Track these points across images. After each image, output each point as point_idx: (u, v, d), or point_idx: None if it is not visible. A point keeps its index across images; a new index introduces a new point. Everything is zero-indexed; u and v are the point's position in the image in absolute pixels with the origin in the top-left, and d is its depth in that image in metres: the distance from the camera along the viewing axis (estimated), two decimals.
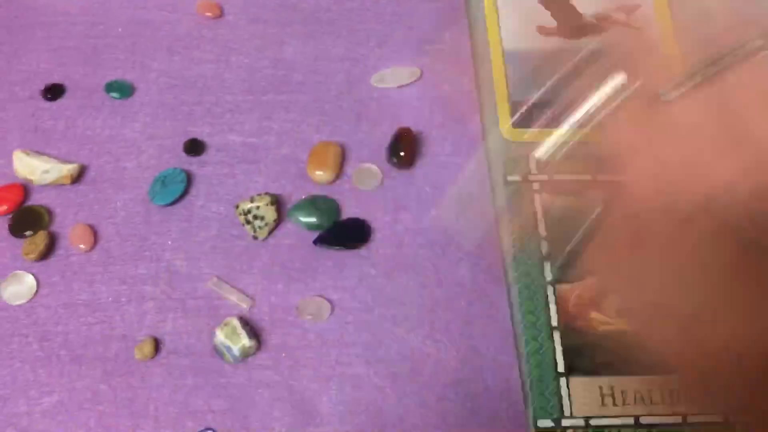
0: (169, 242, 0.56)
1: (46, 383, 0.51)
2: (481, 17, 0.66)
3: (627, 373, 0.52)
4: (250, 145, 0.60)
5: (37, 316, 0.53)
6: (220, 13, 0.65)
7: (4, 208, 0.56)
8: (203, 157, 0.59)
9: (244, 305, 0.54)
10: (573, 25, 0.66)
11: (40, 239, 0.55)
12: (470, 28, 0.65)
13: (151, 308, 0.53)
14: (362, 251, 0.56)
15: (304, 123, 0.61)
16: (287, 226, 0.57)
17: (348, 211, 0.57)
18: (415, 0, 0.66)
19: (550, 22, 0.66)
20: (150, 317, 0.53)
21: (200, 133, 0.60)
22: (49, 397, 0.50)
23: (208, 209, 0.57)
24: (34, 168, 0.57)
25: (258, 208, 0.55)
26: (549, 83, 0.62)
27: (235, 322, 0.52)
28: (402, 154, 0.58)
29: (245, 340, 0.51)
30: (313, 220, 0.56)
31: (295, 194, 0.58)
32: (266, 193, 0.56)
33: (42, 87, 0.61)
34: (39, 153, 0.58)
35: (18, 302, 0.53)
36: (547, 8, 0.67)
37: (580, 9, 0.66)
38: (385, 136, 0.60)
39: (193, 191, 0.58)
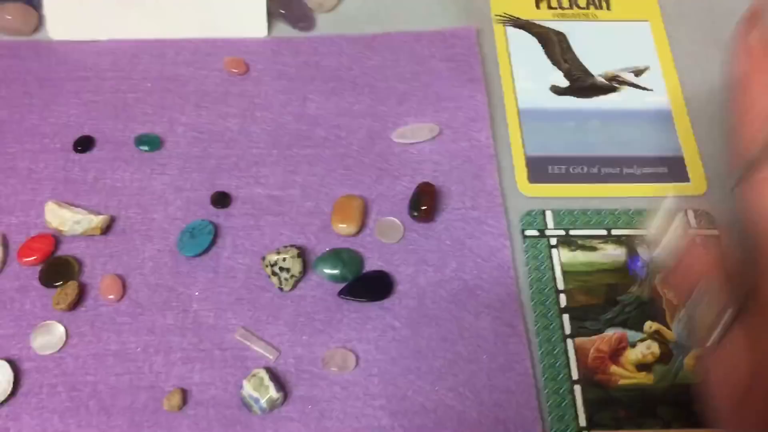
0: (197, 293, 0.56)
1: None
2: (497, 76, 0.68)
3: (647, 426, 0.52)
4: (275, 197, 0.61)
5: (66, 366, 0.53)
6: (246, 70, 0.66)
7: (34, 258, 0.57)
8: (230, 210, 0.60)
9: (270, 356, 0.54)
10: (584, 85, 0.68)
11: (71, 289, 0.55)
12: (486, 87, 0.67)
13: (179, 359, 0.54)
14: (385, 303, 0.56)
15: (327, 177, 0.62)
16: (312, 278, 0.57)
17: (371, 264, 0.58)
18: (433, 59, 0.68)
19: (563, 82, 0.68)
20: (178, 368, 0.53)
21: (227, 185, 0.61)
22: None
23: (234, 260, 0.58)
24: (64, 219, 0.57)
25: (284, 260, 0.56)
26: (562, 140, 0.64)
27: (263, 374, 0.52)
28: (423, 208, 0.59)
29: (272, 392, 0.51)
30: (337, 272, 0.57)
31: (319, 246, 0.59)
32: (292, 246, 0.57)
33: (72, 139, 0.62)
34: (70, 204, 0.59)
35: (48, 352, 0.53)
36: (558, 68, 0.69)
37: (591, 69, 0.69)
38: (406, 190, 0.61)
39: (220, 243, 0.58)
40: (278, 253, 0.57)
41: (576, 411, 0.53)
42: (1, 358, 0.52)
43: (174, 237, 0.58)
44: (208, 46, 0.67)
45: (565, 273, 0.58)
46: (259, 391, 0.52)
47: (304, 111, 0.65)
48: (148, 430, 0.51)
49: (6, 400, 0.51)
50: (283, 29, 0.70)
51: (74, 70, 0.66)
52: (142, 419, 0.51)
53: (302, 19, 0.69)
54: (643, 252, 0.59)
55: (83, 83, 0.65)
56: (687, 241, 0.45)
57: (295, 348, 0.55)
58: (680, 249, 0.45)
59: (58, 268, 0.56)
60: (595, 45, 0.70)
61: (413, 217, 0.60)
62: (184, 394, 0.52)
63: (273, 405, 0.52)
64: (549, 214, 0.61)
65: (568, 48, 0.70)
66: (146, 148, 0.62)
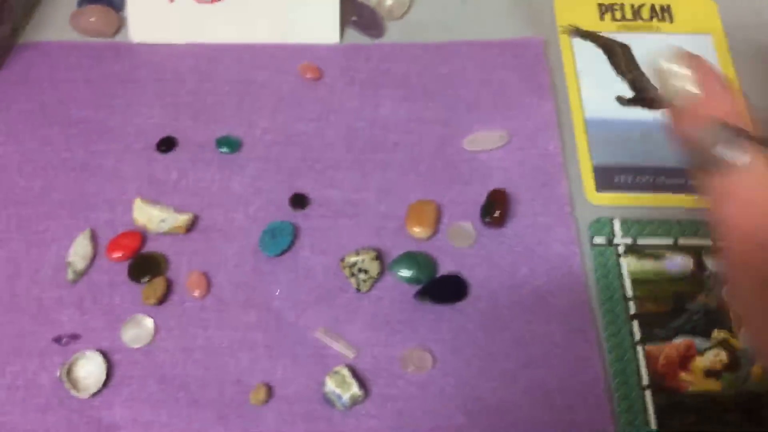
0: (278, 292, 0.58)
1: (166, 423, 0.52)
2: (563, 86, 0.69)
3: None
4: (350, 200, 0.62)
5: (155, 359, 0.55)
6: (320, 76, 0.68)
7: (122, 254, 0.58)
8: (307, 211, 0.61)
9: (350, 355, 0.56)
10: (648, 96, 0.69)
11: (159, 285, 0.57)
12: (553, 96, 0.69)
13: (262, 355, 0.55)
14: (459, 306, 0.58)
15: (400, 181, 0.63)
16: (387, 280, 0.59)
17: (444, 267, 0.60)
18: (502, 68, 0.69)
19: (628, 93, 0.69)
20: (261, 363, 0.55)
21: (304, 188, 0.62)
22: None
23: (312, 261, 0.59)
24: (152, 217, 0.59)
25: (363, 261, 0.58)
26: (628, 150, 0.65)
27: (345, 371, 0.54)
28: (496, 214, 0.60)
29: (355, 389, 0.53)
30: (412, 274, 0.58)
31: (393, 249, 0.60)
32: (371, 248, 0.59)
33: (155, 140, 0.64)
34: (155, 202, 0.61)
35: (137, 345, 0.55)
36: (623, 79, 0.70)
37: (655, 80, 0.70)
38: (477, 195, 0.63)
39: (299, 243, 0.60)
40: (357, 254, 0.58)
41: (647, 415, 0.54)
42: (95, 350, 0.55)
43: (254, 236, 0.60)
44: (283, 52, 0.69)
45: (633, 281, 0.60)
46: (342, 387, 0.53)
47: (376, 116, 0.66)
48: (235, 422, 0.53)
49: (99, 390, 0.53)
50: (354, 36, 0.71)
51: (155, 72, 0.68)
52: (229, 412, 0.53)
53: (373, 26, 0.70)
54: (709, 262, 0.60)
55: (164, 85, 0.67)
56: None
57: (373, 347, 0.56)
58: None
59: (146, 263, 0.58)
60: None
61: (485, 222, 0.61)
62: (269, 389, 0.54)
63: (355, 401, 0.53)
64: (617, 223, 0.62)
65: (633, 59, 0.70)
66: (226, 149, 0.63)
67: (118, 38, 0.69)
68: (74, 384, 0.53)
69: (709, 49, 0.72)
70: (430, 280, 0.58)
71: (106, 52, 0.68)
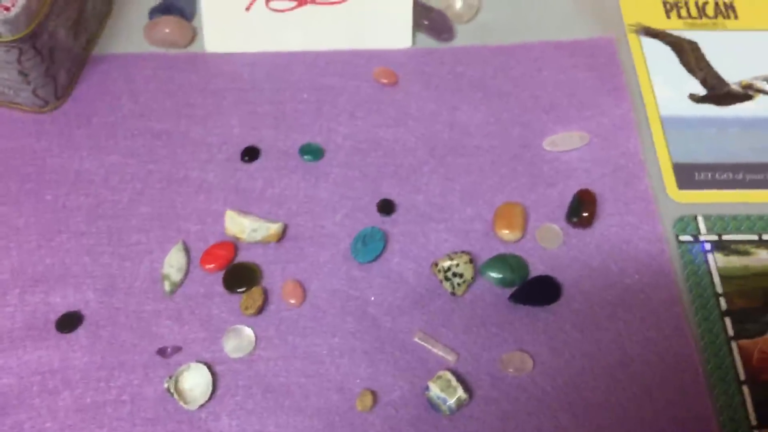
0: (372, 298, 0.58)
1: None
2: (635, 85, 0.69)
3: None
4: (436, 205, 0.62)
5: (258, 369, 0.54)
6: (396, 80, 0.67)
7: (215, 264, 0.58)
8: (394, 217, 0.61)
9: (450, 358, 0.56)
10: (720, 93, 0.69)
11: (257, 294, 0.56)
12: (629, 95, 0.68)
13: (363, 361, 0.55)
14: (553, 307, 0.58)
15: (483, 184, 0.63)
16: (480, 283, 0.59)
17: (534, 269, 0.59)
18: (575, 69, 0.69)
19: (700, 90, 0.69)
20: (362, 369, 0.55)
21: (388, 193, 0.62)
22: None
23: (403, 266, 0.59)
24: (243, 227, 0.59)
25: (457, 265, 0.57)
26: (705, 147, 0.64)
27: (449, 375, 0.53)
28: (585, 214, 0.60)
29: (461, 393, 0.53)
30: (505, 276, 0.58)
31: (483, 252, 0.60)
32: (463, 252, 0.58)
33: (238, 149, 0.63)
34: (246, 213, 0.61)
35: (239, 355, 0.55)
36: (694, 76, 0.69)
37: (725, 77, 0.70)
38: (560, 196, 0.62)
39: (389, 249, 0.60)
40: (451, 258, 0.58)
41: (746, 411, 0.54)
42: (198, 361, 0.54)
43: (345, 243, 0.60)
44: (357, 57, 0.69)
45: (722, 277, 0.60)
46: (447, 392, 0.53)
47: (455, 120, 0.66)
48: (343, 430, 0.52)
49: (206, 402, 0.53)
50: (425, 40, 0.71)
51: (232, 82, 0.67)
52: (336, 419, 0.53)
53: (444, 30, 0.70)
54: None
55: (242, 94, 0.66)
56: None
57: (471, 350, 0.56)
58: None
59: (241, 273, 0.57)
60: (727, 53, 0.71)
61: (572, 223, 0.61)
62: (374, 395, 0.54)
63: (460, 405, 0.53)
64: (701, 220, 0.62)
65: (702, 57, 0.70)
66: (310, 157, 0.63)
67: (191, 49, 0.69)
68: (181, 396, 0.53)
69: None
70: (522, 282, 0.58)
71: (182, 63, 0.68)
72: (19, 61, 0.59)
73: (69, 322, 0.55)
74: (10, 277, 0.57)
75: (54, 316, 0.55)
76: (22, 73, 0.60)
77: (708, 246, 0.60)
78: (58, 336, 0.55)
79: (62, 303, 0.56)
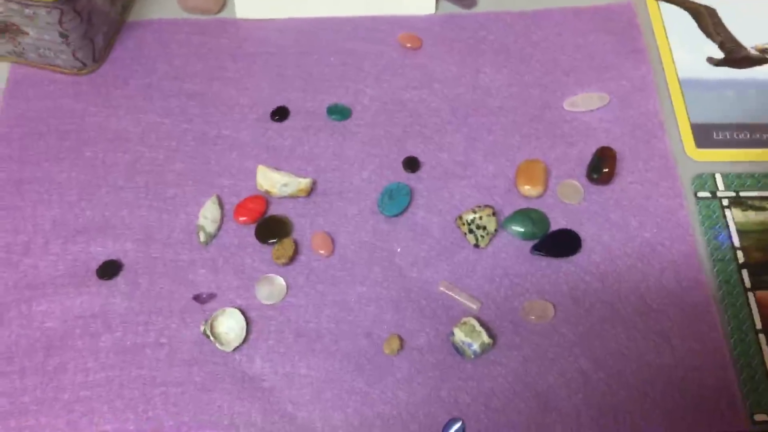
0: (398, 249, 0.59)
1: (306, 374, 0.53)
2: (654, 48, 0.69)
3: None
4: (459, 162, 0.63)
5: (290, 314, 0.56)
6: (420, 44, 0.68)
7: (246, 218, 0.59)
8: (419, 174, 0.62)
9: (474, 306, 0.57)
10: (737, 57, 0.69)
11: (288, 245, 0.58)
12: (648, 58, 0.68)
13: (390, 308, 0.56)
14: (574, 258, 0.58)
15: (505, 143, 0.64)
16: (502, 236, 0.60)
17: (555, 223, 0.60)
18: (595, 33, 0.69)
19: (718, 54, 0.69)
20: (390, 316, 0.56)
21: (413, 151, 0.63)
22: (309, 389, 0.53)
23: (428, 220, 0.60)
24: (274, 182, 0.60)
25: (481, 218, 0.58)
26: (723, 108, 0.65)
27: (473, 321, 0.54)
28: (605, 170, 0.61)
29: (485, 337, 0.54)
30: (527, 230, 0.59)
31: (505, 207, 0.61)
32: (486, 205, 0.59)
33: (268, 110, 0.65)
34: (276, 168, 0.62)
35: (271, 302, 0.56)
36: (712, 41, 0.70)
37: (742, 41, 0.70)
38: (580, 154, 0.63)
39: (414, 203, 0.61)
40: (474, 212, 0.59)
41: (763, 358, 0.55)
42: (232, 307, 0.56)
43: (372, 198, 0.61)
44: (382, 23, 0.69)
45: (739, 231, 0.60)
46: (471, 336, 0.54)
47: (477, 82, 0.67)
48: (371, 372, 0.54)
49: (240, 345, 0.55)
50: (447, 6, 0.71)
51: (261, 46, 0.68)
52: (365, 362, 0.54)
53: None
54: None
55: (271, 58, 0.67)
56: None
57: (494, 299, 0.57)
58: None
59: (272, 226, 0.59)
60: (744, 19, 0.71)
61: (592, 179, 0.61)
62: (401, 340, 0.55)
63: (485, 349, 0.54)
64: (719, 177, 0.62)
65: (719, 21, 0.71)
66: (337, 117, 0.64)
67: (222, 15, 0.70)
68: (217, 338, 0.54)
69: None
70: (544, 235, 0.59)
71: (213, 29, 0.69)
72: (60, 23, 0.61)
73: (109, 269, 0.57)
74: (52, 228, 0.59)
75: (95, 265, 0.57)
76: (63, 35, 0.62)
77: (726, 202, 0.61)
78: (99, 283, 0.56)
79: (102, 252, 0.58)
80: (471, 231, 0.59)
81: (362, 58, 0.68)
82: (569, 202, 0.61)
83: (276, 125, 0.64)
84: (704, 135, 0.65)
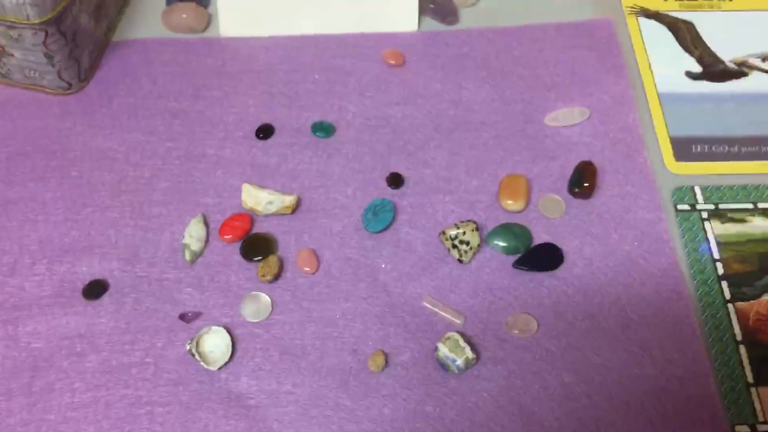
0: (383, 265, 0.59)
1: (291, 392, 0.53)
2: (634, 63, 0.70)
3: None
4: (443, 177, 0.63)
5: (275, 332, 0.56)
6: (403, 61, 0.69)
7: (231, 236, 0.59)
8: (403, 189, 0.63)
9: (458, 321, 0.57)
10: (716, 70, 0.70)
11: (273, 263, 0.58)
12: (627, 73, 0.69)
13: (375, 324, 0.57)
14: (557, 273, 0.59)
15: (488, 158, 0.64)
16: (485, 251, 0.60)
17: (538, 237, 0.61)
18: (575, 49, 0.70)
19: (696, 68, 0.70)
20: (374, 332, 0.56)
21: (397, 167, 0.64)
22: (294, 406, 0.53)
23: (412, 236, 0.60)
24: (259, 199, 0.60)
25: (464, 233, 0.59)
26: (701, 122, 0.66)
27: (457, 336, 0.55)
28: (586, 185, 0.61)
29: (469, 353, 0.54)
30: (509, 244, 0.59)
31: (488, 222, 0.61)
32: (469, 220, 0.60)
33: (253, 127, 0.65)
34: (262, 186, 0.62)
35: (257, 319, 0.56)
36: (690, 55, 0.71)
37: (720, 55, 0.71)
38: (561, 169, 0.64)
39: (398, 219, 0.61)
40: (457, 227, 0.59)
41: (743, 368, 0.55)
42: (218, 326, 0.56)
43: (356, 215, 0.61)
44: (365, 40, 0.70)
45: (719, 243, 0.61)
46: (456, 352, 0.54)
47: (460, 98, 0.67)
48: (357, 388, 0.54)
49: (226, 363, 0.55)
50: (430, 23, 0.72)
51: (246, 64, 0.69)
52: (350, 378, 0.54)
53: (450, 13, 0.71)
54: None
55: (256, 76, 0.68)
56: None
57: (478, 314, 0.57)
58: None
59: (257, 243, 0.59)
60: (722, 33, 0.72)
61: (573, 193, 0.62)
62: (386, 356, 0.55)
63: (468, 365, 0.54)
64: (698, 190, 0.63)
65: (698, 36, 0.72)
66: (322, 134, 0.64)
67: (207, 34, 0.71)
68: (202, 357, 0.54)
69: None
70: (526, 249, 0.60)
71: (199, 47, 0.69)
72: (45, 44, 0.61)
73: (95, 289, 0.57)
74: (38, 248, 0.59)
75: (80, 285, 0.57)
76: (48, 56, 0.62)
77: (705, 215, 0.62)
78: (85, 303, 0.56)
79: (88, 272, 0.58)
80: (454, 246, 0.59)
81: (346, 75, 0.69)
82: (551, 216, 0.62)
83: (261, 143, 0.64)
84: (683, 148, 0.65)
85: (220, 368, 0.54)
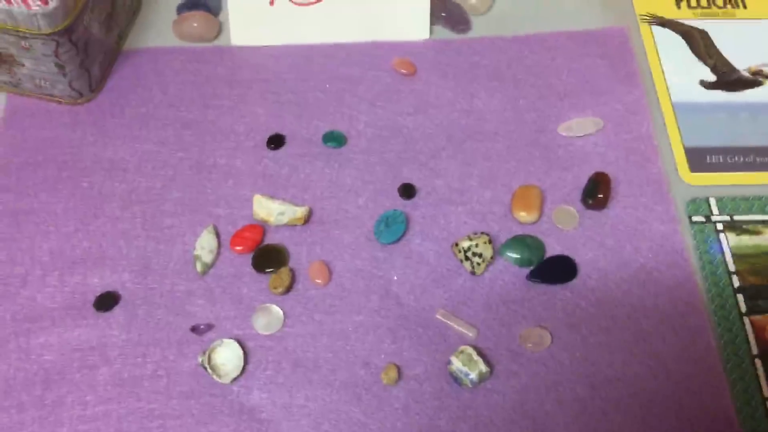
0: (395, 277, 0.59)
1: (304, 405, 0.53)
2: (647, 72, 0.70)
3: None
4: (455, 189, 0.63)
5: (287, 344, 0.56)
6: (414, 70, 0.69)
7: (242, 247, 0.59)
8: (415, 200, 0.62)
9: (471, 334, 0.57)
10: (730, 79, 0.70)
11: (285, 274, 0.58)
12: (641, 82, 0.69)
13: (387, 337, 0.56)
14: (570, 285, 0.58)
15: (501, 168, 0.64)
16: (498, 263, 0.60)
17: (551, 249, 0.60)
18: (588, 57, 0.70)
19: (710, 77, 0.70)
20: (387, 345, 0.56)
21: (409, 178, 0.63)
22: (306, 419, 0.53)
23: (425, 247, 0.60)
24: (271, 210, 0.60)
25: (477, 245, 0.58)
26: (716, 131, 0.65)
27: (470, 350, 0.54)
28: (600, 196, 0.61)
29: (482, 366, 0.54)
30: (523, 256, 0.59)
31: (501, 233, 0.61)
32: (482, 232, 0.59)
33: (264, 137, 0.65)
34: (273, 197, 0.62)
35: (269, 332, 0.56)
36: (704, 64, 0.70)
37: (735, 64, 0.70)
38: (575, 179, 0.63)
39: (410, 231, 0.61)
40: (470, 239, 0.59)
41: (759, 383, 0.55)
42: (230, 338, 0.56)
43: (368, 226, 0.61)
44: (376, 49, 0.70)
45: (734, 255, 0.60)
46: (469, 365, 0.54)
47: (472, 107, 0.67)
48: (369, 402, 0.53)
49: (238, 376, 0.54)
50: (442, 32, 0.72)
51: (257, 73, 0.68)
52: (362, 392, 0.54)
53: (461, 21, 0.71)
54: None
55: (266, 85, 0.68)
56: None
57: (491, 327, 0.57)
58: None
59: (269, 255, 0.59)
60: (736, 42, 0.71)
61: (587, 205, 0.62)
62: (399, 369, 0.55)
63: (482, 378, 0.54)
64: (713, 201, 0.62)
65: (712, 44, 0.71)
66: (333, 144, 0.64)
67: (218, 42, 0.71)
68: (214, 370, 0.54)
69: None
70: (540, 261, 0.59)
71: (209, 56, 0.69)
72: (56, 54, 0.61)
73: (106, 301, 0.57)
74: (50, 260, 0.59)
75: (92, 296, 0.57)
76: (59, 66, 0.62)
77: (720, 227, 0.61)
78: (96, 315, 0.56)
79: (99, 284, 0.58)
80: (467, 258, 0.59)
81: (357, 84, 0.68)
82: (564, 228, 0.61)
83: (272, 153, 0.64)
84: (698, 159, 0.65)
85: (232, 381, 0.54)
